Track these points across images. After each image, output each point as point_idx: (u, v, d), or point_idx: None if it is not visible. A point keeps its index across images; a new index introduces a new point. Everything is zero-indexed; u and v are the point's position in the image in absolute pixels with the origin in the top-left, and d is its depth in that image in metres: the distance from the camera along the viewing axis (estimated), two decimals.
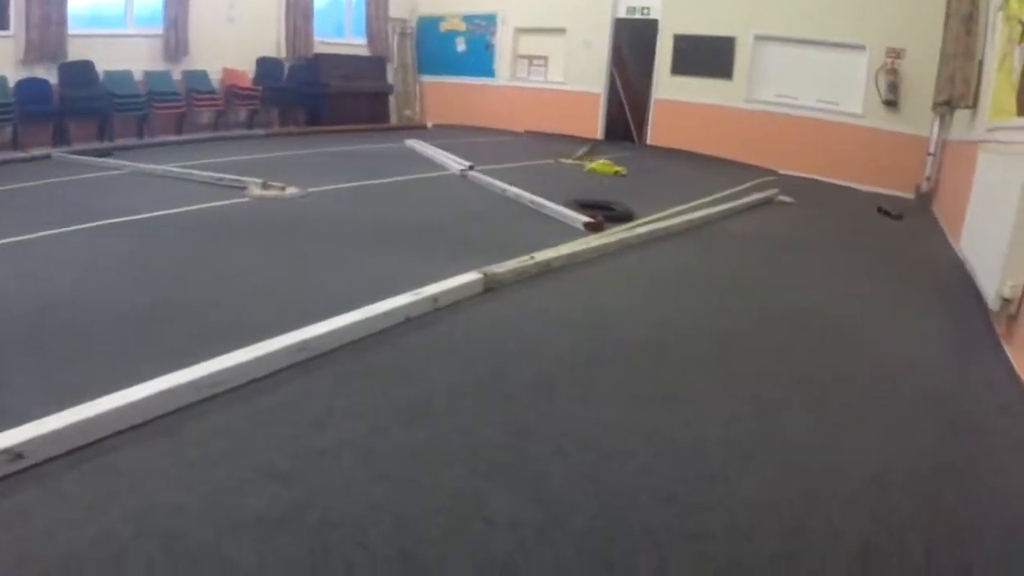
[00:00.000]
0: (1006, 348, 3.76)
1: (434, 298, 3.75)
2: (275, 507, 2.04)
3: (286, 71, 13.11)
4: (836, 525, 2.15)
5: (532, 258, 4.52)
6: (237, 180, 6.96)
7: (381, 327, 3.43)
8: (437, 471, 2.28)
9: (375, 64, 14.76)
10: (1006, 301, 3.72)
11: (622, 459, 2.44)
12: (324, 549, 1.88)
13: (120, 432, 2.37)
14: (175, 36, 11.21)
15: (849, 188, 10.51)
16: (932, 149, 9.75)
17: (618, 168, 9.58)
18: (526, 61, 14.72)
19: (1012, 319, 3.76)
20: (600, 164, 9.68)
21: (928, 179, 9.81)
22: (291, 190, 6.77)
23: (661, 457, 2.48)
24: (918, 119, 10.21)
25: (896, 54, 10.49)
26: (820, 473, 2.46)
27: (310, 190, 6.89)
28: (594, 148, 12.28)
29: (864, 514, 2.21)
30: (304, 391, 2.80)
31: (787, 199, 8.52)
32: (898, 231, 7.39)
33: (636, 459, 2.44)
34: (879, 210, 8.29)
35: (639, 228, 5.88)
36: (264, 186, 6.75)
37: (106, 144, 9.77)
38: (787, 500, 2.26)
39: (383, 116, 14.95)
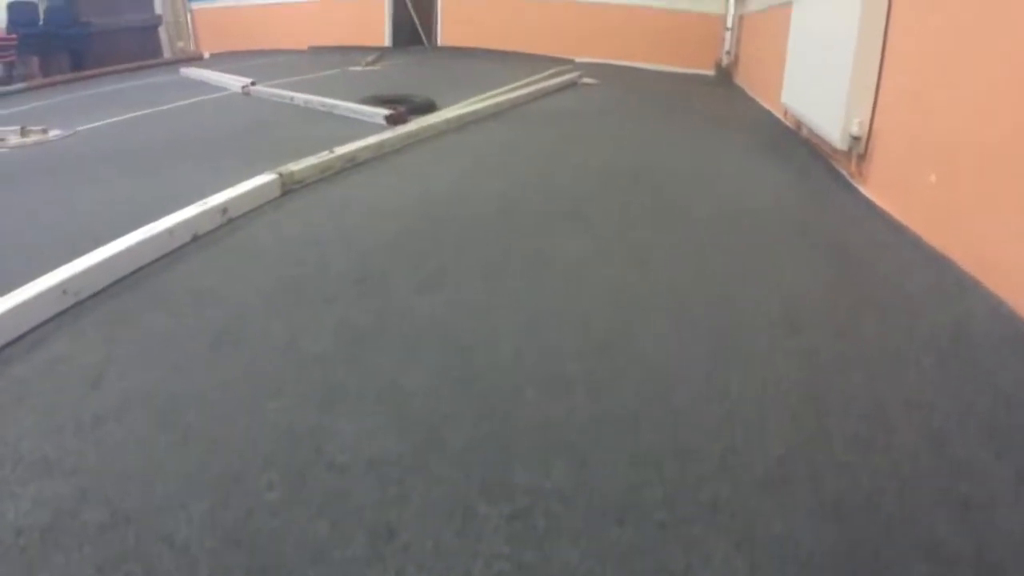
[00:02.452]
0: (861, 188, 3.67)
1: (223, 208, 3.14)
2: (40, 513, 1.41)
3: (42, 14, 11.69)
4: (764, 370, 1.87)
5: (332, 152, 3.98)
6: None
7: (163, 252, 2.78)
8: (258, 412, 1.71)
9: None
10: (855, 139, 3.60)
11: (488, 352, 1.98)
12: (113, 560, 1.27)
13: None
14: None
15: (649, 69, 10.52)
16: (729, 24, 9.88)
17: None
18: None
19: (862, 157, 3.66)
20: None
21: (728, 53, 9.98)
22: (54, 132, 5.88)
23: (532, 336, 2.05)
24: None
25: None
26: (725, 320, 2.17)
27: (77, 129, 6.01)
28: (383, 55, 11.68)
29: (789, 352, 1.97)
30: (72, 342, 2.11)
31: (590, 80, 8.35)
32: (711, 100, 7.37)
33: (506, 347, 2.00)
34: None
35: (446, 114, 5.40)
36: (23, 132, 5.84)
37: None
38: (699, 354, 1.96)
39: (155, 51, 13.68)
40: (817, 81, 4.33)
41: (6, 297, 2.21)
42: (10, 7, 11.25)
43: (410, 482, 1.43)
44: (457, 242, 2.86)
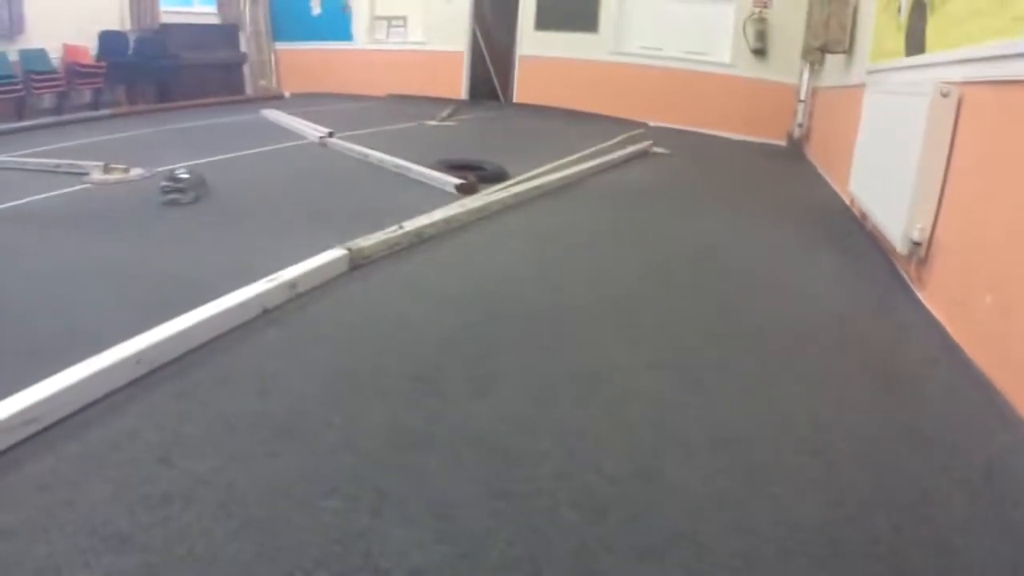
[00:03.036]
0: (919, 294, 3.67)
1: (292, 283, 3.31)
2: None
3: (131, 45, 12.19)
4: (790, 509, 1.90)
5: (401, 227, 4.13)
6: (75, 165, 6.30)
7: (233, 324, 2.96)
8: (312, 510, 1.84)
9: (227, 33, 14.01)
10: (915, 245, 3.59)
11: (533, 465, 2.07)
12: None
13: None
14: (9, 12, 10.12)
15: (720, 137, 10.52)
16: (803, 96, 9.87)
17: None
18: (384, 22, 14.20)
19: (922, 262, 3.66)
20: None
21: (800, 126, 9.95)
22: (135, 171, 6.18)
23: (579, 457, 2.13)
24: (787, 67, 10.41)
25: (763, 3, 10.64)
26: (760, 441, 2.24)
27: (157, 170, 6.28)
28: (458, 109, 11.92)
29: (815, 491, 1.99)
30: (144, 416, 2.28)
31: (661, 150, 8.42)
32: (778, 176, 7.36)
33: (550, 464, 2.08)
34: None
35: (515, 187, 5.57)
36: (106, 169, 6.14)
37: None
38: (728, 480, 2.02)
39: (238, 87, 14.23)
40: (883, 178, 4.32)
41: (87, 363, 2.40)
42: (101, 37, 11.71)
43: None
44: (511, 343, 2.94)
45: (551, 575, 1.61)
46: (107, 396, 2.38)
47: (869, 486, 2.01)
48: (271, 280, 3.22)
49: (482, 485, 1.95)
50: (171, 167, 6.40)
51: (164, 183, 5.11)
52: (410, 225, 4.21)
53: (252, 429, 2.22)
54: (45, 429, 2.17)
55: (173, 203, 4.98)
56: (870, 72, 5.94)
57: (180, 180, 5.14)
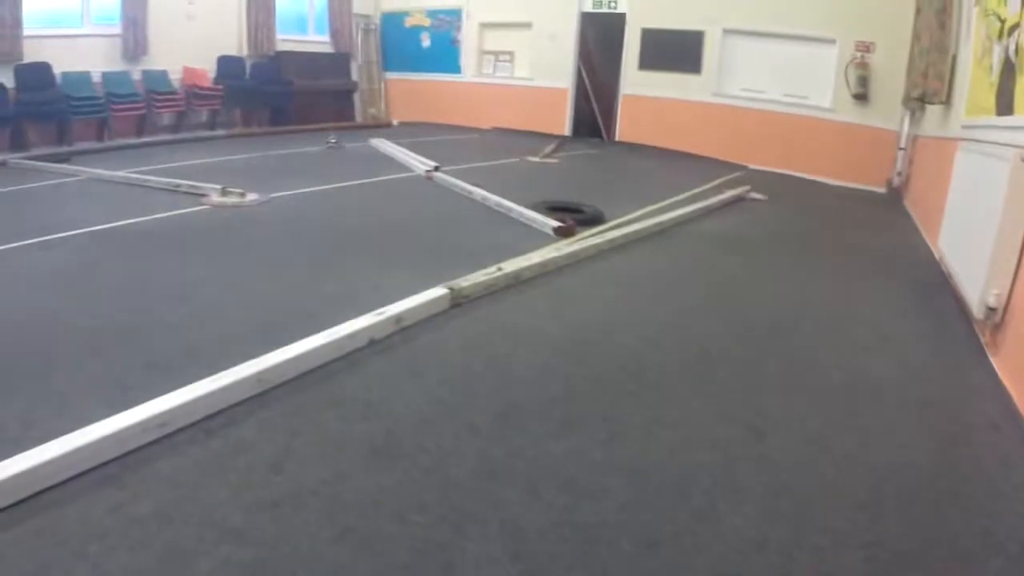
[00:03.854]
0: (992, 359, 3.70)
1: (398, 318, 3.60)
2: (228, 572, 1.88)
3: (248, 70, 12.88)
4: (829, 559, 2.05)
5: (500, 269, 4.39)
6: (195, 187, 6.79)
7: (343, 352, 3.27)
8: (402, 523, 2.12)
9: (339, 61, 14.62)
10: (991, 310, 3.62)
11: (599, 499, 2.30)
12: None
13: (61, 483, 2.20)
14: (133, 35, 10.96)
15: (819, 183, 10.47)
16: (903, 144, 9.77)
17: None
18: (492, 57, 14.61)
19: (996, 328, 3.69)
20: None
21: (899, 174, 9.83)
22: (251, 196, 6.61)
23: (641, 495, 2.34)
24: (888, 113, 10.24)
25: (866, 47, 10.50)
26: (812, 495, 2.38)
27: (271, 196, 6.72)
28: (561, 145, 12.17)
29: (856, 544, 2.12)
30: (260, 429, 2.62)
31: (758, 196, 8.47)
32: (873, 227, 7.35)
33: (614, 499, 2.31)
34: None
35: (610, 232, 5.77)
36: (223, 192, 6.58)
37: (64, 149, 9.52)
38: (778, 531, 2.17)
39: (348, 114, 14.81)
40: (967, 238, 4.32)
41: (214, 378, 2.77)
42: (220, 61, 12.39)
43: None
44: (589, 389, 3.13)
45: None
46: (231, 407, 2.74)
47: (910, 548, 2.12)
48: (379, 314, 3.52)
49: (554, 515, 2.19)
50: (285, 193, 6.86)
51: None
52: (508, 267, 4.46)
53: (354, 448, 2.52)
54: (175, 432, 2.53)
55: None
56: (964, 127, 5.76)
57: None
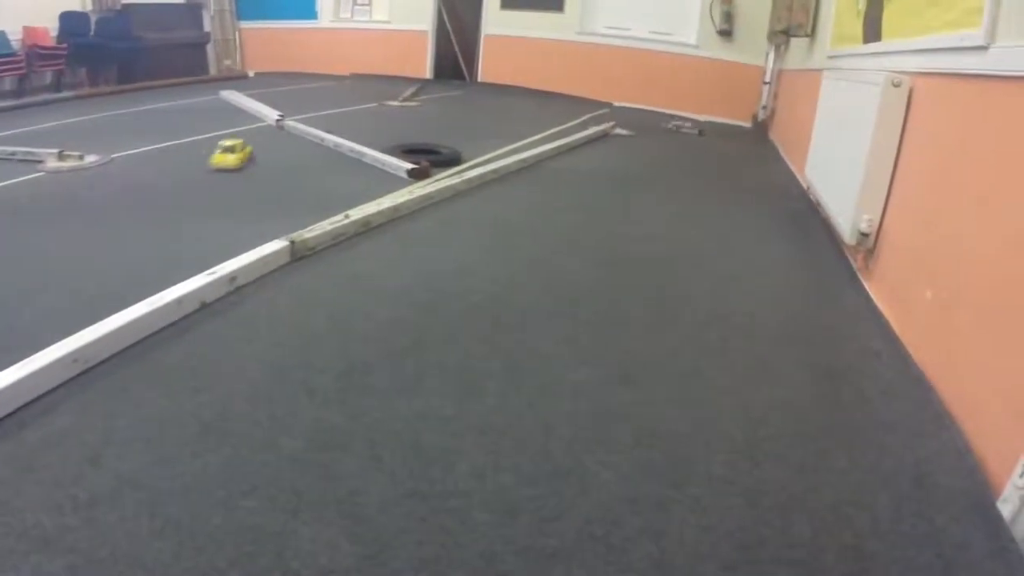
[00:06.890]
0: (865, 284, 3.70)
1: (232, 277, 3.25)
2: None
3: (93, 26, 11.89)
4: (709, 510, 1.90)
5: (347, 216, 4.08)
6: (31, 153, 6.14)
7: (170, 320, 2.91)
8: (230, 510, 1.82)
9: (190, 12, 13.77)
10: (863, 235, 3.61)
11: (450, 464, 2.05)
12: None
13: None
14: None
15: (685, 118, 10.47)
16: (768, 78, 9.93)
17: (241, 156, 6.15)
18: (349, 1, 13.99)
19: (869, 253, 3.69)
20: (219, 157, 5.97)
21: (764, 107, 10.00)
22: (91, 158, 6.05)
23: (496, 456, 2.11)
24: (753, 49, 10.42)
25: None
26: (686, 442, 2.22)
27: (113, 156, 6.16)
28: (422, 88, 11.84)
29: (737, 492, 1.98)
30: (79, 415, 2.25)
31: (624, 131, 8.39)
32: (739, 159, 7.36)
33: (467, 462, 2.06)
34: None
35: (468, 172, 5.53)
36: (61, 156, 5.99)
37: None
38: (651, 484, 2.00)
39: (202, 67, 14.02)
40: (835, 166, 4.34)
41: (23, 363, 2.35)
42: (62, 17, 11.42)
43: None
44: (442, 340, 2.89)
45: None
46: (45, 394, 2.34)
47: (791, 489, 2.00)
48: (210, 274, 3.17)
49: (397, 486, 1.93)
50: (129, 152, 6.31)
51: None
52: (356, 214, 4.16)
53: (180, 430, 2.18)
54: None
55: None
56: (830, 57, 5.93)
57: None
